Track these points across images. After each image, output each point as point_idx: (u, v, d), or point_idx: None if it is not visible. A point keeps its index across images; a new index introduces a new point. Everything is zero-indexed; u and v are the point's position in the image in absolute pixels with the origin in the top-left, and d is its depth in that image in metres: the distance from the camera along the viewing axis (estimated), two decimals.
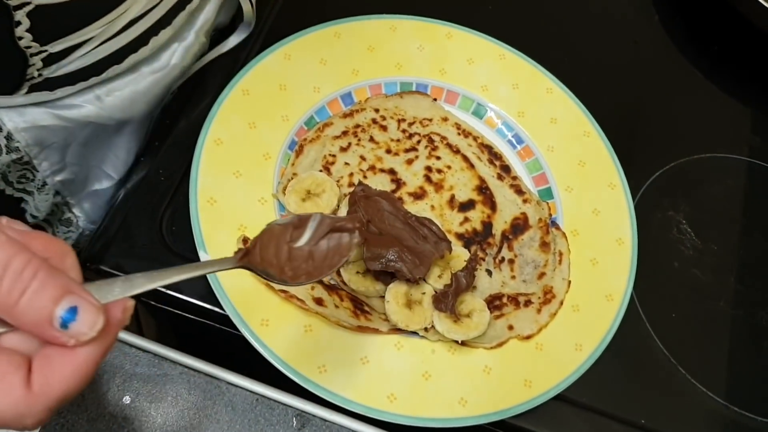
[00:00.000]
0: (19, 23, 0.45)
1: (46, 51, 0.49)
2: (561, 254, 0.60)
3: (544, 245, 0.60)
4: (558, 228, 0.61)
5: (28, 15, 0.45)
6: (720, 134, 0.73)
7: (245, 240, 0.54)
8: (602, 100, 0.69)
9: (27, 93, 0.51)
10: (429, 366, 0.53)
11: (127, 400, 0.49)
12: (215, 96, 0.60)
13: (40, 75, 0.50)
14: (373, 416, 0.51)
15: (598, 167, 0.65)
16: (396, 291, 0.54)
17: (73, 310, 0.31)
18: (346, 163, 0.61)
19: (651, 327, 0.61)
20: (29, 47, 0.48)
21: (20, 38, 0.46)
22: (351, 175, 0.60)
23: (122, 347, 0.50)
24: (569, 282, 0.59)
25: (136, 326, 0.59)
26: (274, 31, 0.67)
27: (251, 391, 0.50)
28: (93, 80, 0.54)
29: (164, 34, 0.57)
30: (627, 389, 0.58)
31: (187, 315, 0.56)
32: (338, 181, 0.59)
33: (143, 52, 0.56)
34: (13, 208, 0.58)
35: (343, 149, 0.61)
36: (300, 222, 0.44)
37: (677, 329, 0.61)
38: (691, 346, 0.61)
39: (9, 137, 0.52)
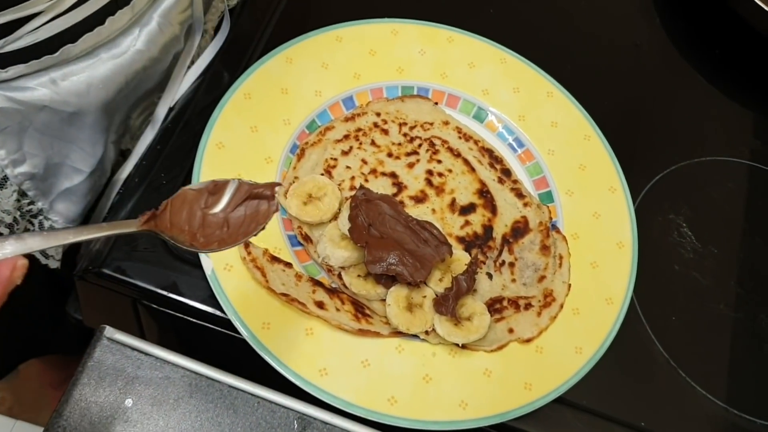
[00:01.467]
0: None
1: None
2: (561, 257, 0.60)
3: (545, 248, 0.60)
4: (558, 231, 0.61)
5: None
6: (721, 137, 0.73)
7: (246, 243, 0.54)
8: (603, 103, 0.70)
9: None
10: (430, 369, 0.53)
11: (129, 403, 0.49)
12: (217, 99, 0.60)
13: None
14: (373, 419, 0.51)
15: (598, 171, 0.65)
16: (397, 294, 0.54)
17: None
18: (348, 167, 0.61)
19: (651, 330, 0.61)
20: None
21: None
22: (352, 178, 0.60)
23: (124, 350, 0.50)
24: (569, 285, 0.59)
25: (137, 329, 0.59)
26: (276, 34, 0.67)
27: (252, 395, 0.50)
28: (47, 60, 0.53)
29: (122, 14, 0.55)
30: (627, 392, 0.58)
31: (188, 318, 0.56)
32: (340, 185, 0.60)
33: (100, 32, 0.54)
34: None
35: (345, 153, 0.62)
36: (216, 188, 0.43)
37: (677, 332, 0.62)
38: (692, 349, 0.61)
39: None
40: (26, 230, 0.62)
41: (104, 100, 0.58)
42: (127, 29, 0.57)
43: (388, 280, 0.55)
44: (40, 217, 0.62)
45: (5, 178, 0.57)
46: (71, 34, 0.53)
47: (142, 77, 0.61)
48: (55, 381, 1.10)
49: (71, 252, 0.63)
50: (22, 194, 0.59)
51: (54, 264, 0.66)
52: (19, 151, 0.56)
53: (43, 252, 0.65)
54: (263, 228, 0.43)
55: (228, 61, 0.66)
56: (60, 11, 0.51)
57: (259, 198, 0.43)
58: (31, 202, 0.61)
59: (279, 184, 0.46)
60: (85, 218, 0.67)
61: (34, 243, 0.34)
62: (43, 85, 0.54)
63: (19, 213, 0.60)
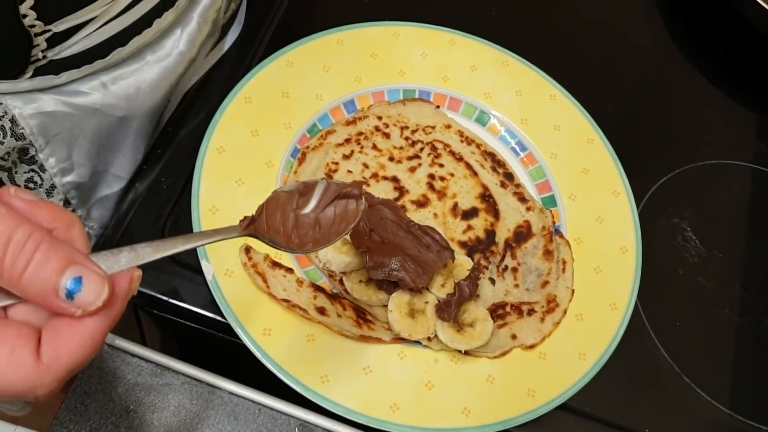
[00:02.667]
0: (22, 0, 0.45)
1: (50, 31, 0.48)
2: (564, 262, 0.60)
3: (548, 253, 0.60)
4: (561, 236, 0.61)
5: None
6: (725, 141, 0.73)
7: (248, 249, 0.54)
8: (606, 106, 0.69)
9: (32, 77, 0.51)
10: (432, 375, 0.53)
11: (129, 409, 0.49)
12: (217, 104, 0.60)
13: (44, 57, 0.50)
14: (375, 426, 0.50)
15: (601, 174, 0.64)
16: (399, 300, 0.54)
17: (78, 281, 0.31)
18: (349, 171, 0.61)
19: (655, 335, 0.61)
20: (33, 26, 0.47)
21: (24, 16, 0.46)
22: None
23: (124, 357, 0.50)
24: (573, 290, 0.58)
25: (138, 335, 0.59)
26: (277, 38, 0.67)
27: (253, 401, 0.50)
28: (98, 63, 0.53)
29: (167, 16, 0.56)
30: (631, 398, 0.58)
31: (189, 324, 0.55)
32: None
33: (147, 34, 0.55)
34: None
35: (346, 157, 0.61)
36: (306, 189, 0.44)
37: (682, 338, 0.61)
38: (696, 354, 0.61)
39: (14, 121, 0.52)
40: None
41: (151, 105, 0.59)
42: (170, 30, 0.58)
43: (389, 285, 0.55)
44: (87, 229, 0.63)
45: (53, 187, 0.58)
46: (121, 38, 0.53)
47: (183, 80, 0.62)
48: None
49: None
50: (66, 202, 0.60)
51: None
52: (69, 160, 0.57)
53: None
54: (354, 227, 0.44)
55: (229, 64, 0.66)
56: (112, 16, 0.51)
57: (347, 197, 0.44)
58: (73, 210, 0.61)
59: (366, 183, 0.47)
60: None
61: (146, 254, 0.35)
62: (95, 89, 0.55)
63: None
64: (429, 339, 0.54)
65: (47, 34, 0.48)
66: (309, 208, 0.43)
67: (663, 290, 0.63)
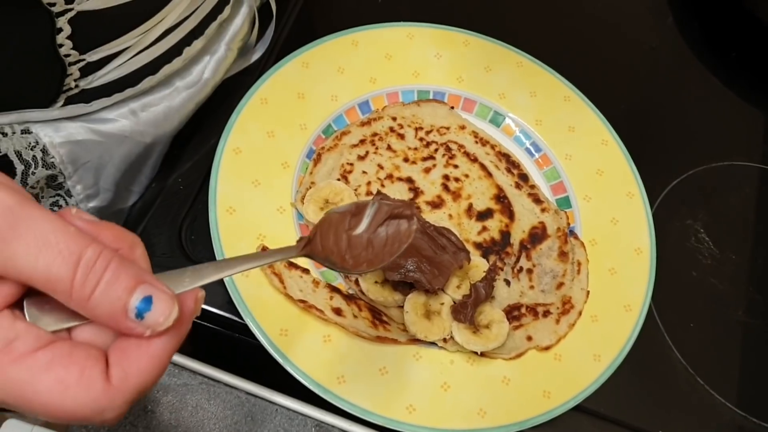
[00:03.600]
0: (60, 30, 0.45)
1: (84, 60, 0.49)
2: (579, 264, 0.60)
3: (563, 255, 0.60)
4: (576, 237, 0.61)
5: (70, 21, 0.45)
6: (738, 142, 0.73)
7: (264, 249, 0.54)
8: (620, 107, 0.69)
9: (63, 105, 0.51)
10: (448, 377, 0.53)
11: (147, 409, 0.49)
12: (234, 105, 0.60)
13: (77, 86, 0.50)
14: (392, 427, 0.50)
15: (616, 176, 0.64)
16: (415, 301, 0.54)
17: (148, 300, 0.30)
18: (364, 172, 0.61)
19: (669, 337, 0.61)
20: (68, 55, 0.48)
21: (60, 45, 0.46)
22: (369, 183, 0.60)
23: None
24: (588, 292, 0.59)
25: None
26: (292, 39, 0.67)
27: (270, 402, 0.50)
28: (129, 92, 0.54)
29: (197, 44, 0.57)
30: (645, 400, 0.58)
31: (206, 324, 0.56)
32: (356, 190, 0.59)
33: (177, 62, 0.56)
34: None
35: (361, 158, 0.61)
36: (357, 209, 0.44)
37: (695, 339, 0.61)
38: (710, 356, 0.61)
39: (45, 151, 0.52)
40: None
41: (176, 128, 0.60)
42: (198, 57, 0.59)
43: (405, 286, 0.55)
44: None
45: None
46: (152, 67, 0.54)
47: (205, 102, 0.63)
48: None
49: None
50: None
51: None
52: (95, 186, 0.58)
53: None
54: (406, 246, 0.44)
55: (244, 66, 0.66)
56: (145, 45, 0.52)
57: (399, 218, 0.44)
58: None
59: (416, 205, 0.48)
60: None
61: (208, 274, 0.35)
62: (124, 116, 0.55)
63: None
64: (445, 340, 0.54)
65: (81, 64, 0.49)
66: (361, 228, 0.43)
67: (676, 292, 0.63)
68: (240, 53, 0.64)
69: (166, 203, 0.58)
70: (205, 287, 0.34)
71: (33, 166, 0.52)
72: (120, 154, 0.57)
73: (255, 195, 0.57)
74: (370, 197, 0.58)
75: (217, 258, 0.54)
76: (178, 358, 0.50)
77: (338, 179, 0.60)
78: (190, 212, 0.58)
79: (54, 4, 0.44)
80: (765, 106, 0.76)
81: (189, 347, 0.59)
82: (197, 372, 0.50)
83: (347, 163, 0.61)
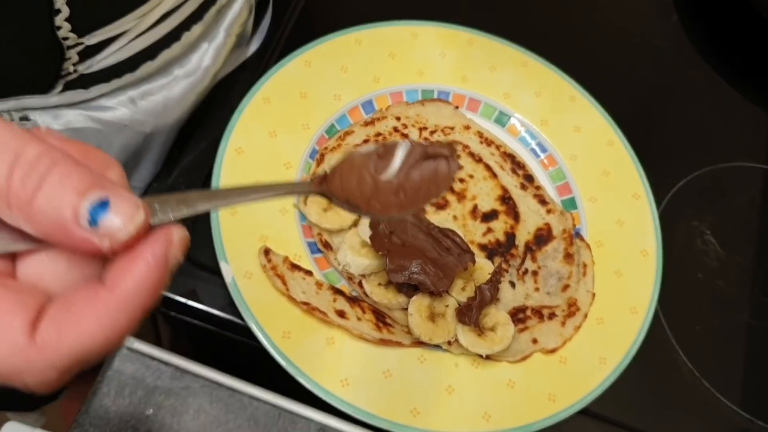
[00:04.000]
0: (58, 11, 0.44)
1: (82, 44, 0.48)
2: (585, 266, 0.59)
3: (568, 257, 0.59)
4: (582, 239, 0.60)
5: (68, 3, 0.44)
6: (745, 143, 0.72)
7: (267, 251, 0.54)
8: (625, 108, 0.68)
9: (62, 92, 0.50)
10: (452, 380, 0.53)
11: (149, 413, 0.48)
12: (235, 104, 0.59)
13: (75, 71, 0.49)
14: (396, 431, 0.50)
15: (622, 177, 0.64)
16: (419, 304, 0.53)
17: (105, 205, 0.25)
18: None
19: (675, 340, 0.60)
20: (66, 38, 0.47)
21: (59, 28, 0.45)
22: None
23: (144, 360, 0.50)
24: (593, 294, 0.58)
25: (155, 338, 0.59)
26: (294, 37, 0.66)
27: (273, 405, 0.50)
28: (127, 78, 0.53)
29: (195, 29, 0.56)
30: (651, 403, 0.58)
31: (207, 326, 0.55)
32: None
33: (175, 48, 0.55)
34: None
35: None
36: (386, 151, 0.37)
37: (701, 342, 0.61)
38: (716, 359, 0.60)
39: None
40: None
41: (176, 119, 0.59)
42: (197, 44, 0.58)
43: (409, 289, 0.54)
44: None
45: None
46: (150, 52, 0.53)
47: (208, 92, 0.62)
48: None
49: None
50: None
51: None
52: None
53: None
54: (446, 190, 0.38)
55: (246, 65, 0.65)
56: (143, 29, 0.51)
57: (436, 157, 0.37)
58: None
59: (456, 144, 0.39)
60: None
61: (195, 201, 0.28)
62: (123, 104, 0.54)
63: None
64: (449, 343, 0.53)
65: (79, 47, 0.48)
66: (390, 173, 0.36)
67: (682, 294, 0.62)
68: (238, 41, 0.63)
69: None
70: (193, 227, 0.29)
71: None
72: (119, 143, 0.56)
73: None
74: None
75: (219, 260, 0.53)
76: (180, 361, 0.50)
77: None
78: None
79: None
80: None
81: (191, 350, 0.59)
82: (199, 375, 0.50)
83: None
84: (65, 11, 0.45)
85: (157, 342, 0.57)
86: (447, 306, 0.54)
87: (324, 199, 0.35)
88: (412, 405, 0.51)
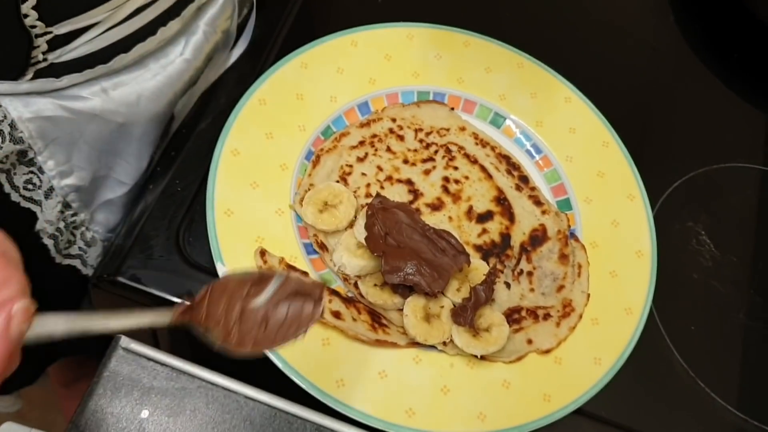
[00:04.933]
0: None
1: (51, 33, 0.48)
2: (580, 266, 0.59)
3: (563, 257, 0.59)
4: (577, 240, 0.61)
5: None
6: (739, 144, 0.72)
7: (263, 252, 0.54)
8: (621, 109, 0.69)
9: (32, 79, 0.50)
10: (447, 380, 0.53)
11: (145, 414, 0.49)
12: (232, 106, 0.60)
13: (45, 59, 0.49)
14: (391, 431, 0.50)
15: (617, 178, 0.64)
16: (414, 305, 0.54)
17: None
18: (363, 174, 0.60)
19: (670, 340, 0.60)
20: (34, 26, 0.46)
21: (26, 16, 0.45)
22: (368, 185, 0.60)
23: (140, 360, 0.50)
24: (588, 295, 0.58)
25: (152, 339, 0.59)
26: (291, 39, 0.67)
27: (269, 406, 0.50)
28: (100, 69, 0.53)
29: (173, 25, 0.56)
30: (646, 403, 0.58)
31: None
32: (355, 192, 0.59)
33: (151, 42, 0.55)
34: (25, 224, 0.57)
35: (360, 159, 0.61)
36: (261, 279, 0.39)
37: (696, 342, 0.61)
38: (710, 359, 0.61)
39: (13, 125, 0.51)
40: (69, 241, 0.62)
41: (154, 112, 0.59)
42: (174, 39, 0.58)
43: (405, 289, 0.54)
44: (82, 228, 0.63)
45: (51, 189, 0.57)
46: (124, 44, 0.53)
47: (189, 89, 0.61)
48: (65, 380, 1.10)
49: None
50: (66, 205, 0.60)
51: (87, 271, 0.66)
52: (68, 163, 0.57)
53: (83, 260, 0.65)
54: (304, 334, 0.39)
55: (242, 66, 0.65)
56: (116, 22, 0.51)
57: (305, 297, 0.39)
58: (74, 213, 0.61)
59: (325, 287, 0.43)
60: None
61: (55, 324, 0.33)
62: (95, 94, 0.54)
63: (63, 224, 0.60)
64: (444, 344, 0.54)
65: (48, 36, 0.48)
66: (260, 300, 0.38)
67: (677, 294, 0.63)
68: (224, 38, 0.63)
69: (163, 205, 0.58)
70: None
71: (0, 140, 0.51)
72: (91, 131, 0.56)
73: (253, 197, 0.57)
74: (369, 198, 0.58)
75: (215, 261, 0.53)
76: (176, 362, 0.50)
77: (337, 181, 0.59)
78: (188, 214, 0.57)
79: None
80: (766, 107, 0.75)
81: (187, 351, 0.59)
82: (196, 376, 0.50)
83: (346, 165, 0.60)
84: None
85: (154, 343, 0.57)
86: (442, 307, 0.54)
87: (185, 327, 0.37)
88: (408, 405, 0.51)
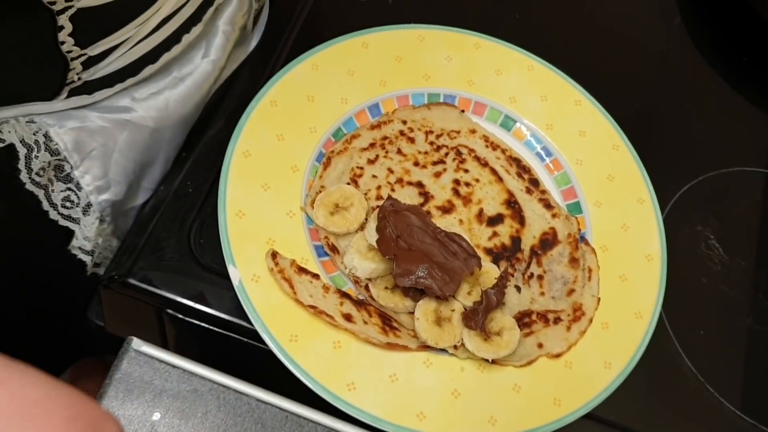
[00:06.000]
0: (62, 27, 0.45)
1: (85, 54, 0.49)
2: (590, 270, 0.59)
3: (574, 261, 0.59)
4: (587, 243, 0.61)
5: (71, 18, 0.45)
6: (749, 147, 0.72)
7: (274, 254, 0.54)
8: (630, 112, 0.69)
9: (66, 98, 0.51)
10: (458, 384, 0.53)
11: (156, 416, 0.49)
12: (243, 107, 0.60)
13: (79, 78, 0.50)
14: None
15: (627, 181, 0.64)
16: (426, 308, 0.54)
17: None
18: (374, 176, 0.60)
19: (679, 345, 0.60)
20: (70, 51, 0.47)
21: (62, 43, 0.46)
22: (379, 188, 0.60)
23: (152, 363, 0.50)
24: (599, 299, 0.58)
25: (160, 339, 0.59)
26: (302, 40, 0.67)
27: (281, 408, 0.50)
28: (129, 81, 0.54)
29: (195, 30, 0.56)
30: (655, 408, 0.58)
31: (214, 329, 0.55)
32: (366, 194, 0.59)
33: (176, 50, 0.56)
34: (63, 243, 0.58)
35: (371, 161, 0.61)
36: None
37: (705, 347, 0.61)
38: (720, 364, 0.61)
39: (47, 136, 0.52)
40: (104, 256, 0.62)
41: (182, 115, 0.59)
42: (196, 42, 0.58)
43: (416, 293, 0.54)
44: (113, 240, 0.63)
45: (89, 205, 0.58)
46: (152, 56, 0.54)
47: (213, 88, 0.62)
48: (71, 381, 1.10)
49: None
50: (101, 220, 0.60)
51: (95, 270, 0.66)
52: (105, 177, 0.57)
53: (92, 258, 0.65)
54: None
55: (253, 68, 0.65)
56: (143, 36, 0.52)
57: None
58: (105, 225, 0.61)
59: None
60: None
61: None
62: (126, 103, 0.55)
63: (101, 239, 0.60)
64: (455, 347, 0.54)
65: (83, 58, 0.49)
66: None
67: (687, 299, 0.63)
68: (242, 34, 0.64)
69: (175, 206, 0.58)
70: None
71: (36, 149, 0.51)
72: (125, 140, 0.56)
73: (264, 199, 0.57)
74: (380, 201, 0.58)
75: (226, 263, 0.53)
76: (188, 364, 0.50)
77: (348, 183, 0.59)
78: (199, 215, 0.57)
79: (54, 3, 0.44)
80: None
81: (198, 353, 0.59)
82: (207, 378, 0.50)
83: (357, 167, 0.60)
84: (68, 27, 0.46)
85: (165, 345, 0.57)
86: (453, 310, 0.54)
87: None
88: (419, 409, 0.51)
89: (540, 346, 0.55)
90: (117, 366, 0.50)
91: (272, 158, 0.58)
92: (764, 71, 0.78)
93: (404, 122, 0.63)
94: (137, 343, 0.50)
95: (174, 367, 0.50)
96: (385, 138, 0.62)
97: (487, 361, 0.53)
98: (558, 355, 0.55)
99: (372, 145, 0.62)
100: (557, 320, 0.57)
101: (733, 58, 0.79)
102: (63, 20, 0.45)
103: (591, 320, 0.57)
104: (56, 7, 0.44)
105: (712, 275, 0.65)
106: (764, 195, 0.70)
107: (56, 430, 0.33)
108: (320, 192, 0.58)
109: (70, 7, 0.45)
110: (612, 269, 0.60)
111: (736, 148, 0.72)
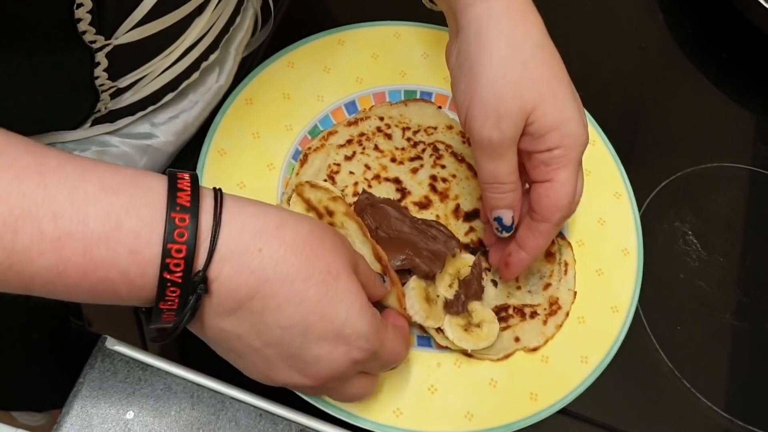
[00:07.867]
0: (98, 63, 0.46)
1: (115, 86, 0.50)
2: (567, 264, 0.59)
3: (550, 255, 0.59)
4: (563, 238, 0.61)
5: (107, 55, 0.46)
6: (727, 143, 0.73)
7: None
8: (608, 107, 0.69)
9: (90, 126, 0.52)
10: (435, 380, 0.53)
11: (130, 415, 0.48)
12: (218, 105, 0.59)
13: (105, 108, 0.51)
14: (379, 431, 0.50)
15: (604, 176, 0.64)
16: (418, 283, 0.53)
17: None
18: (351, 172, 0.60)
19: (656, 340, 0.61)
20: (102, 85, 0.49)
21: (97, 77, 0.47)
22: (356, 184, 0.60)
23: (126, 361, 0.50)
24: (575, 293, 0.58)
25: (139, 340, 0.59)
26: (277, 38, 0.66)
27: (254, 407, 0.50)
28: (150, 108, 0.55)
29: (212, 57, 0.58)
30: (631, 403, 0.58)
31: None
32: (343, 191, 0.59)
33: (194, 76, 0.57)
34: None
35: (348, 158, 0.61)
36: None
37: (682, 342, 0.61)
38: (696, 359, 0.61)
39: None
40: None
41: (192, 134, 0.60)
42: (210, 67, 0.59)
43: (402, 274, 0.54)
44: None
45: None
46: (173, 84, 0.55)
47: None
48: None
49: None
50: None
51: None
52: None
53: None
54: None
55: None
56: (167, 66, 0.52)
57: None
58: None
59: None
60: None
61: None
62: (146, 129, 0.56)
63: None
64: (439, 330, 0.53)
65: (112, 90, 0.50)
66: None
67: (664, 294, 0.63)
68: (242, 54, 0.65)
69: None
70: None
71: None
72: (144, 163, 0.57)
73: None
74: (356, 197, 0.58)
75: None
76: (161, 363, 0.50)
77: (325, 180, 0.59)
78: None
79: (94, 42, 0.44)
80: (755, 107, 0.76)
81: (173, 351, 0.59)
82: (180, 377, 0.50)
83: (334, 164, 0.60)
84: (104, 63, 0.47)
85: (142, 344, 0.57)
86: (438, 296, 0.54)
87: None
88: (395, 405, 0.51)
89: (517, 340, 0.55)
90: (91, 365, 0.49)
91: (248, 156, 0.58)
92: (743, 68, 0.79)
93: (381, 119, 0.63)
94: (111, 342, 0.50)
95: (147, 365, 0.50)
96: (362, 134, 0.62)
97: (463, 356, 0.54)
98: (535, 349, 0.55)
99: (349, 141, 0.62)
100: (534, 314, 0.57)
101: (713, 54, 0.79)
102: (100, 57, 0.46)
103: (567, 314, 0.57)
104: (96, 45, 0.45)
105: (689, 271, 0.65)
106: (743, 191, 0.70)
107: (329, 253, 0.41)
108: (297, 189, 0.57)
109: (108, 44, 0.45)
110: (588, 264, 0.60)
111: (715, 144, 0.72)
